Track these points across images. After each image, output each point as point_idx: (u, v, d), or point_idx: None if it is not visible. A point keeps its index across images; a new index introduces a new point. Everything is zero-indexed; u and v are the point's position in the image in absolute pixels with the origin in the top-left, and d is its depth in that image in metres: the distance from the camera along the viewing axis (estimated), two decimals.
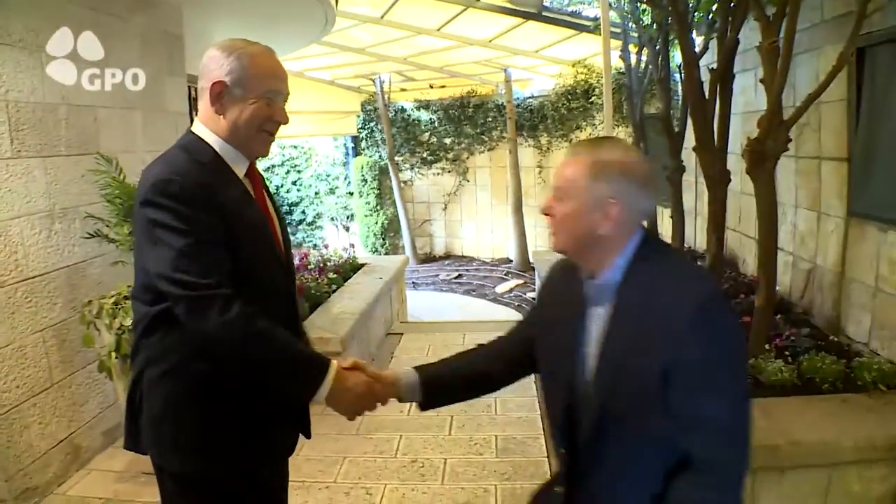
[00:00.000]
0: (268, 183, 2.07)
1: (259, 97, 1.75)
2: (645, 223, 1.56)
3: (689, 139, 5.77)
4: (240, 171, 1.82)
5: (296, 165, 15.32)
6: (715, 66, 4.13)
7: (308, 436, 2.04)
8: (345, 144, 15.18)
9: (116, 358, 3.31)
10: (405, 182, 14.10)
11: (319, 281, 5.70)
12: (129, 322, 3.19)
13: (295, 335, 1.87)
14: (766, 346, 3.53)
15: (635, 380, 1.40)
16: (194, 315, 1.62)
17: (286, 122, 1.84)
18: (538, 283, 7.46)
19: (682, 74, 4.82)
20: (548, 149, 12.83)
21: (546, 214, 1.56)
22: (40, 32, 3.48)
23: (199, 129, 1.80)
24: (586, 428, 1.51)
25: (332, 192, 15.37)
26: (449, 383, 1.89)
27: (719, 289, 1.51)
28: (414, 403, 1.87)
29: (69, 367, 3.66)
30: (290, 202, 15.20)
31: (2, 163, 3.21)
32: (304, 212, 15.39)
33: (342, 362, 1.79)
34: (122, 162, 3.69)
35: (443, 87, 13.69)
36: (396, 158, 13.88)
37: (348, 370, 1.78)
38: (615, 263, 1.50)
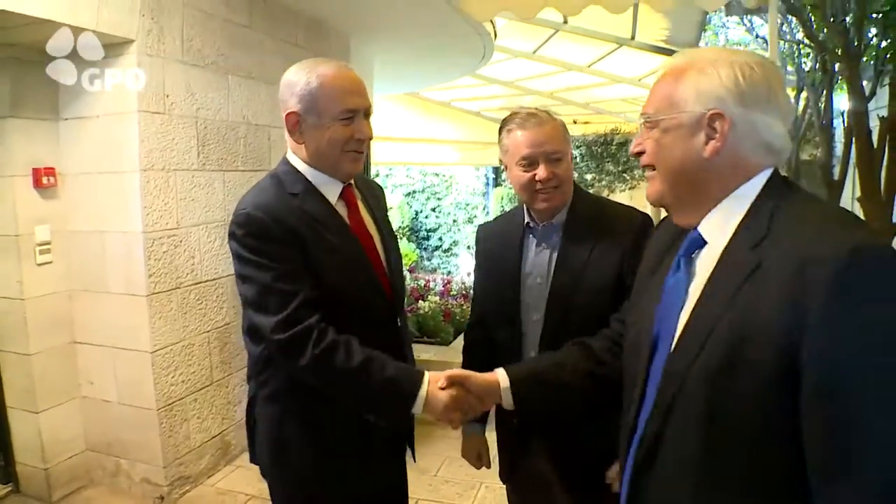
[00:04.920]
0: (383, 203, 2.05)
1: (334, 120, 1.71)
2: None
3: (847, 188, 5.46)
4: (332, 195, 1.80)
5: (436, 193, 15.64)
6: (884, 112, 3.89)
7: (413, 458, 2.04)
8: (486, 175, 15.37)
9: None
10: None
11: (464, 307, 5.80)
12: None
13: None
14: None
15: None
16: (285, 354, 1.65)
17: (369, 137, 1.78)
18: None
19: (848, 121, 4.57)
20: None
21: None
22: (229, 56, 3.78)
23: (291, 157, 1.81)
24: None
25: (470, 221, 15.57)
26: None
27: None
28: None
29: (227, 368, 3.90)
30: (427, 228, 15.52)
31: (189, 174, 3.51)
32: (440, 238, 15.63)
33: (437, 378, 1.64)
34: None
35: (586, 123, 13.58)
36: None
37: (444, 388, 1.62)
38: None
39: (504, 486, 2.19)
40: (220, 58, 3.72)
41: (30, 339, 3.33)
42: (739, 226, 1.10)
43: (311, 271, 1.69)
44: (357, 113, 1.74)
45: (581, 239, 1.85)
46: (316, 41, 4.71)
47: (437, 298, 6.17)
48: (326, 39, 4.88)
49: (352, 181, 1.86)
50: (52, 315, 3.43)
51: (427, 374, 1.65)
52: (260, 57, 4.06)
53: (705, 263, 1.14)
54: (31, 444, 3.42)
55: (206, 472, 3.76)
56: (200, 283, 3.65)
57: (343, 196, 1.83)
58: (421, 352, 4.81)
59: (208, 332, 3.72)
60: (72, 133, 3.36)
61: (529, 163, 1.81)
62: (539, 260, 1.92)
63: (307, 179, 1.78)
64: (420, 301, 6.04)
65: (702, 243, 1.16)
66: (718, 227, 1.13)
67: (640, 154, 1.23)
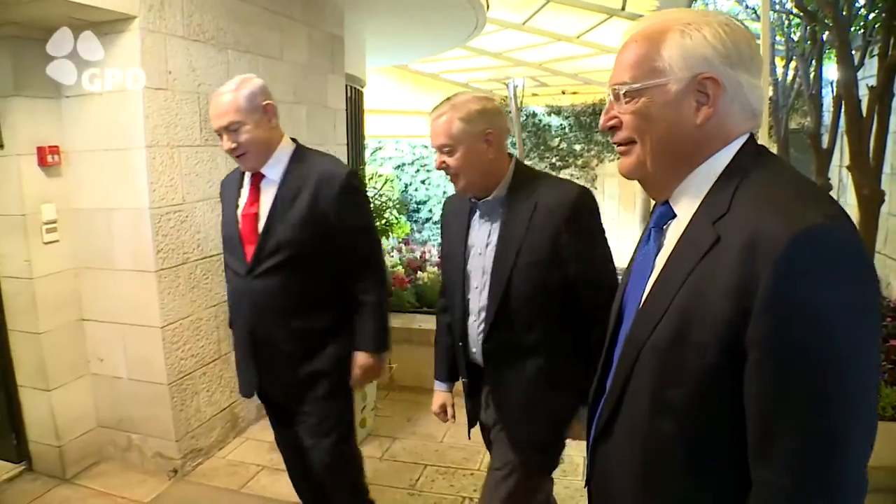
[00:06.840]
0: (328, 192, 2.35)
1: None
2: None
3: (836, 156, 5.55)
4: (247, 178, 2.43)
5: (425, 165, 15.50)
6: (872, 83, 3.95)
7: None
8: None
9: None
10: None
11: None
12: None
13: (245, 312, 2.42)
14: None
15: None
16: None
17: (228, 150, 2.29)
18: None
19: (837, 91, 4.63)
20: None
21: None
22: (227, 31, 3.77)
23: None
24: None
25: None
26: None
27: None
28: None
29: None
30: (417, 200, 15.43)
31: (192, 150, 3.52)
32: (430, 210, 15.50)
33: None
34: None
35: (574, 93, 13.62)
36: (526, 162, 13.93)
37: None
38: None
39: None
40: (219, 32, 3.70)
41: (39, 317, 3.35)
42: (706, 197, 1.05)
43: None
44: (219, 132, 2.29)
45: (520, 215, 1.96)
46: (312, 14, 4.69)
47: (436, 269, 6.16)
48: (321, 13, 4.85)
49: (262, 171, 2.37)
50: (60, 293, 3.44)
51: None
52: (258, 31, 4.04)
53: (673, 235, 1.10)
54: (44, 422, 3.46)
55: (216, 444, 3.81)
56: (206, 258, 3.67)
57: (252, 179, 2.40)
58: (422, 322, 4.84)
59: (215, 306, 3.75)
60: (74, 110, 3.34)
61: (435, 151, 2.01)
62: (480, 233, 2.06)
63: None
64: (419, 272, 6.04)
65: (672, 215, 1.12)
66: (688, 198, 1.08)
67: (613, 128, 1.13)
